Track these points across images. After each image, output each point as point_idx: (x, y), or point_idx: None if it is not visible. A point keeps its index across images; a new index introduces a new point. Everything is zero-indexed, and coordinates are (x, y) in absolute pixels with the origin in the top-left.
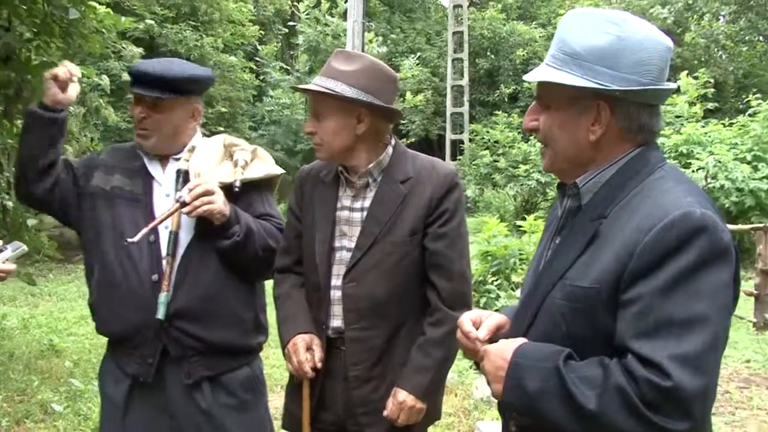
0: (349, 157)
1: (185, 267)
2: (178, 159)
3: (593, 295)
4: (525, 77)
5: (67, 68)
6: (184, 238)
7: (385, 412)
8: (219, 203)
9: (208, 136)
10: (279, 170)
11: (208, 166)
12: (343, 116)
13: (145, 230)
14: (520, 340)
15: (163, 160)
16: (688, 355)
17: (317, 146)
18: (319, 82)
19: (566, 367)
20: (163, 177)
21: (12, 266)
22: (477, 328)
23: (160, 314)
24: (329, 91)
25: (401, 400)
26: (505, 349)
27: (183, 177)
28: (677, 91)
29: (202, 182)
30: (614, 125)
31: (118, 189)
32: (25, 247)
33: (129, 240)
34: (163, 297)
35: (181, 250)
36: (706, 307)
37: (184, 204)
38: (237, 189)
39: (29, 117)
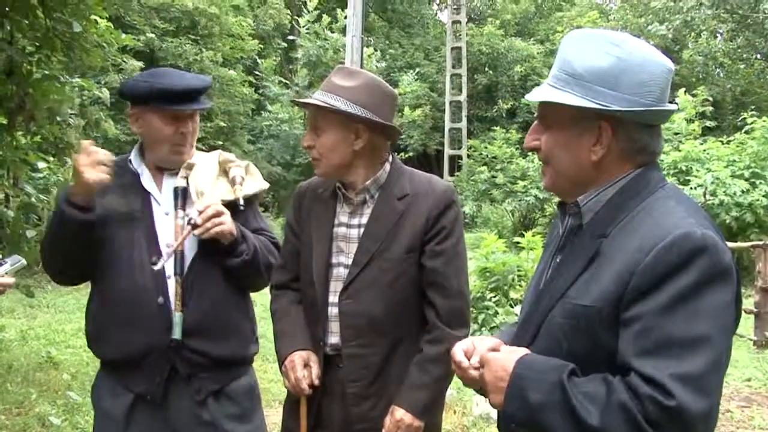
0: (346, 173)
1: (191, 285)
2: (173, 175)
3: (594, 314)
4: (527, 97)
5: (101, 154)
6: (187, 256)
7: (383, 430)
8: (228, 223)
9: (206, 151)
10: (266, 184)
11: (209, 185)
12: (341, 131)
13: (166, 256)
14: (522, 351)
15: (158, 175)
16: (691, 375)
17: (315, 161)
18: (318, 97)
19: (570, 382)
20: (160, 195)
21: (11, 280)
22: (470, 357)
23: (177, 334)
24: (327, 106)
25: (398, 417)
26: (508, 359)
27: (182, 194)
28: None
29: (212, 203)
30: (616, 146)
31: (109, 211)
32: (24, 261)
33: (155, 267)
34: (177, 317)
35: (185, 269)
36: (707, 328)
37: (195, 226)
38: (242, 207)
39: (61, 219)
